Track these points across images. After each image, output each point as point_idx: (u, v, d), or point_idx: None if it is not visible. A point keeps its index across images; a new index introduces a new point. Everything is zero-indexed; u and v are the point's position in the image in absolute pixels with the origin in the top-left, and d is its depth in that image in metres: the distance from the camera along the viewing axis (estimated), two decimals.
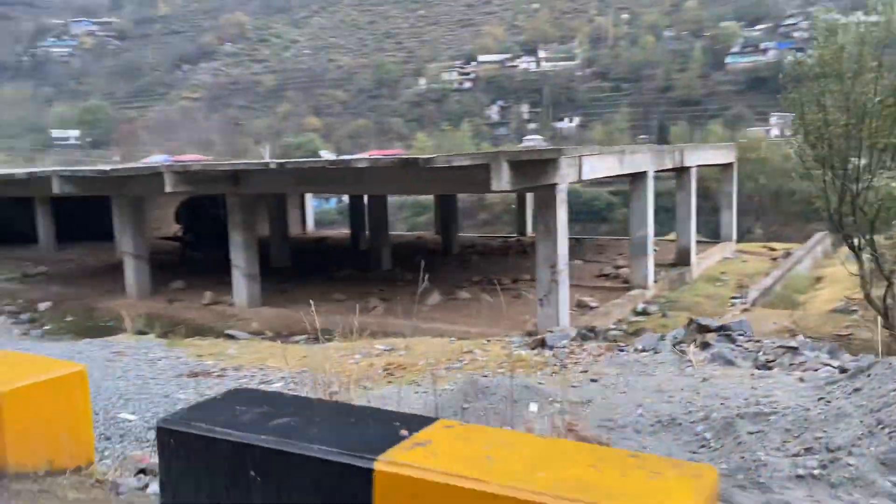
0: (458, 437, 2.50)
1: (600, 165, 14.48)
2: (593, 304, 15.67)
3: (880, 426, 3.83)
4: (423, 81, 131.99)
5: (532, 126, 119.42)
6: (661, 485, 2.12)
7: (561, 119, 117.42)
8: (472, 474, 2.17)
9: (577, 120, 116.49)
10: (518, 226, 28.10)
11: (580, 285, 18.06)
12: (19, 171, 20.58)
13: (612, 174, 15.34)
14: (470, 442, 2.44)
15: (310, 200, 32.25)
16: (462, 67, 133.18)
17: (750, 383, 6.26)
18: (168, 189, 14.71)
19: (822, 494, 3.42)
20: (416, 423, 2.63)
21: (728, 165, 23.74)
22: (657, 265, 20.70)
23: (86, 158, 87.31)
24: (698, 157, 20.05)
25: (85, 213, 26.45)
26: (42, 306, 17.33)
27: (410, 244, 26.99)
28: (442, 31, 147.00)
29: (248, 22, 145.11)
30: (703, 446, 4.88)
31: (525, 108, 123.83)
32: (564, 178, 12.87)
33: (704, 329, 8.23)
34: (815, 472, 3.63)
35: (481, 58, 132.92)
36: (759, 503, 3.39)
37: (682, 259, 20.14)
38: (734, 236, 24.33)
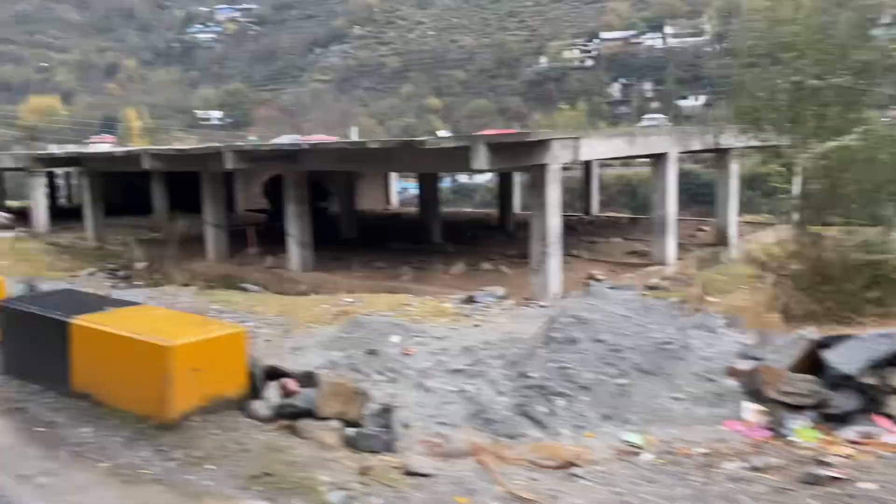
0: (133, 311, 4.29)
1: (603, 148, 15.43)
2: (601, 277, 16.64)
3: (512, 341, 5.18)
4: (543, 60, 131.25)
5: (655, 105, 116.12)
6: (199, 330, 3.80)
7: (685, 97, 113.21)
8: (105, 323, 3.95)
9: (702, 98, 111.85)
10: (583, 205, 29.01)
11: (605, 261, 19.07)
12: (118, 149, 24.10)
13: (619, 156, 16.21)
14: (135, 313, 4.22)
15: (394, 179, 34.48)
16: (584, 45, 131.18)
17: None
18: (229, 166, 17.23)
19: (451, 382, 4.86)
20: (122, 304, 4.43)
21: None
22: (700, 244, 21.17)
23: (227, 138, 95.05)
24: (739, 138, 20.08)
25: (197, 187, 30.04)
26: (138, 266, 20.56)
27: (473, 221, 28.61)
28: (566, 8, 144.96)
29: (377, 5, 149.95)
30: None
31: (648, 86, 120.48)
32: (556, 159, 14.03)
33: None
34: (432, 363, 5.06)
35: (604, 35, 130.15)
36: (403, 386, 4.90)
37: (721, 239, 20.45)
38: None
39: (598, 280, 17.06)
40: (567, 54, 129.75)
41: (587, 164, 27.74)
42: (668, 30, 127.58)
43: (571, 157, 14.53)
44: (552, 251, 14.24)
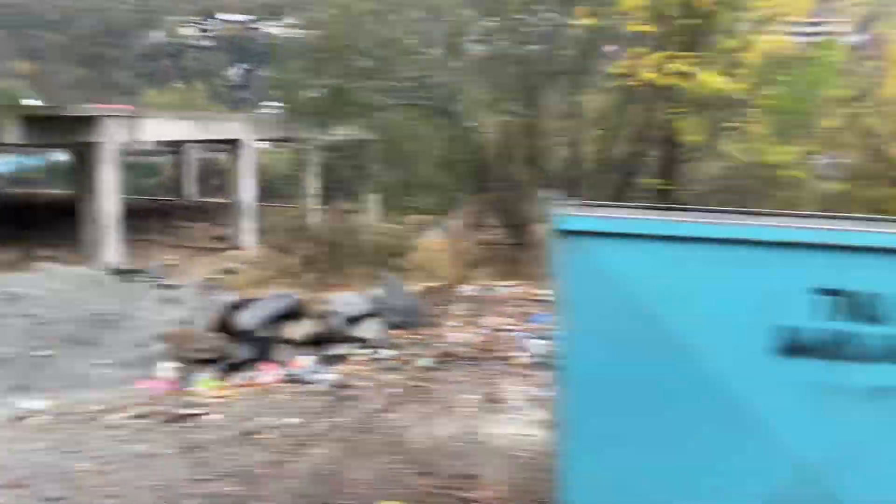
0: None
1: (170, 129, 15.21)
2: (175, 262, 16.46)
3: None
4: (157, 34, 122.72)
5: (274, 92, 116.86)
6: None
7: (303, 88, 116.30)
8: None
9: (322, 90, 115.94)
10: (175, 189, 28.34)
11: (186, 245, 18.88)
12: None
13: (190, 139, 16.19)
14: None
15: None
16: (202, 24, 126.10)
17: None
18: None
19: None
20: None
21: None
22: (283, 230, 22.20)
23: None
24: (313, 130, 21.62)
25: None
26: None
27: (54, 203, 25.85)
28: None
29: None
30: None
31: (267, 72, 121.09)
32: (112, 137, 13.37)
33: (133, 272, 9.44)
34: None
35: (222, 16, 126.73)
36: None
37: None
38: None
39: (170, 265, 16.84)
40: (184, 31, 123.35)
41: (179, 148, 26.98)
42: (287, 20, 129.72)
43: (129, 136, 14.02)
44: (108, 235, 13.61)
